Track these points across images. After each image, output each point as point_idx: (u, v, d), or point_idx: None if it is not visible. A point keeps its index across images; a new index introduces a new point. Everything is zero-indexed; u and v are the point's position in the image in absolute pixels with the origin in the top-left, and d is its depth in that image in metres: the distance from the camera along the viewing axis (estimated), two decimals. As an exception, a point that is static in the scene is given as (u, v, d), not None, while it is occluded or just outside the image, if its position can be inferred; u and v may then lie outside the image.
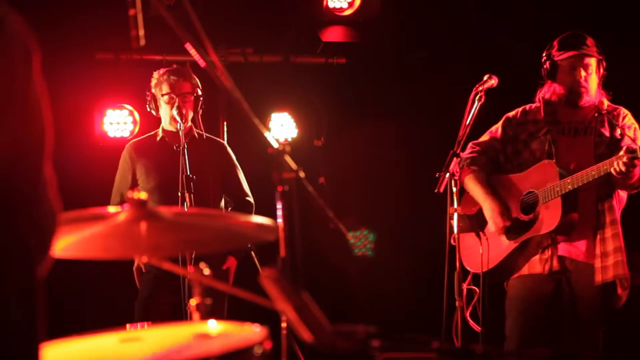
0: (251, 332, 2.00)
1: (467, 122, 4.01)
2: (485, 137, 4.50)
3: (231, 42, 6.28)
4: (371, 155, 6.46)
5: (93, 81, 6.08)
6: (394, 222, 6.41)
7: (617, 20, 5.90)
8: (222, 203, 4.93)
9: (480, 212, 4.36)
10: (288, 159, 2.22)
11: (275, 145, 2.21)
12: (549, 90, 4.37)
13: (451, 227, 3.88)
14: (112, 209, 2.16)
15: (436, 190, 3.99)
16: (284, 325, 2.35)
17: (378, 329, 1.70)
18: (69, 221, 2.04)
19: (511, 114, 4.49)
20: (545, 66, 4.36)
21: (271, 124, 6.38)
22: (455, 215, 3.83)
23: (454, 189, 3.83)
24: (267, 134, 2.21)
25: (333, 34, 6.40)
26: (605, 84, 4.37)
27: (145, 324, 2.25)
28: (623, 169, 3.87)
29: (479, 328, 4.11)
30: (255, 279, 1.83)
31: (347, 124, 6.50)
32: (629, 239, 4.29)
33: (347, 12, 6.34)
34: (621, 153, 3.89)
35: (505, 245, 4.29)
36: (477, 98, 4.08)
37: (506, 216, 4.24)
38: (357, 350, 1.71)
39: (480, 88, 4.12)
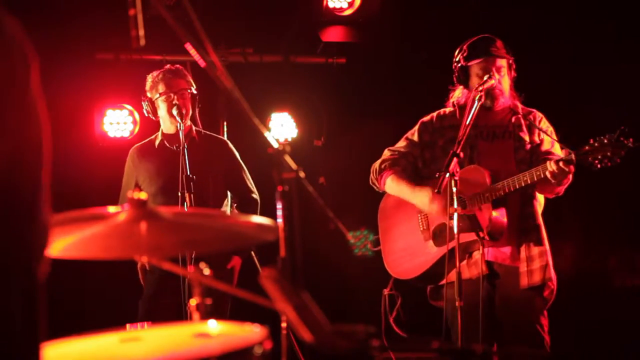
0: (251, 332, 2.00)
1: (467, 122, 4.00)
2: (402, 143, 4.48)
3: (231, 42, 6.28)
4: (371, 155, 6.45)
5: (93, 81, 6.08)
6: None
7: (619, 20, 5.91)
8: (226, 201, 4.93)
9: (479, 210, 4.35)
10: (288, 159, 2.22)
11: (275, 145, 2.21)
12: (462, 95, 4.36)
13: (451, 227, 3.88)
14: (112, 209, 2.16)
15: (436, 190, 3.99)
16: (284, 325, 2.35)
17: (378, 329, 1.70)
18: (69, 221, 2.05)
19: (426, 118, 4.46)
20: (456, 72, 4.34)
21: (271, 124, 6.39)
22: (455, 215, 3.83)
23: (454, 189, 3.83)
24: (267, 134, 2.21)
25: (333, 34, 6.41)
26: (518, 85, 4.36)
27: (146, 324, 2.24)
28: (557, 172, 3.85)
29: (404, 334, 4.12)
30: (256, 279, 1.83)
31: (347, 124, 6.50)
32: (629, 239, 4.29)
33: (347, 12, 6.34)
34: (557, 158, 3.88)
35: (433, 252, 4.27)
36: (477, 98, 4.08)
37: (441, 199, 4.16)
38: (357, 350, 1.71)
39: (480, 88, 4.12)
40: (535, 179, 3.95)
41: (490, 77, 4.18)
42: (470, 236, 4.08)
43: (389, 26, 6.34)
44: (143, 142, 4.99)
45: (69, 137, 5.90)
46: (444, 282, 4.16)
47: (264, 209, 4.89)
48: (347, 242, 6.32)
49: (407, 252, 4.39)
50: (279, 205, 2.20)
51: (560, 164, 3.85)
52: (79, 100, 6.03)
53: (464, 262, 4.19)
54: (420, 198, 4.27)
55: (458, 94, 4.38)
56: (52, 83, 5.38)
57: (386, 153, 4.50)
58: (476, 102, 4.07)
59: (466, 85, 4.33)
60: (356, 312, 6.25)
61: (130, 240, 2.15)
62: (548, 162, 3.90)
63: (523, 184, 3.98)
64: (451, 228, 3.77)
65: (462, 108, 4.33)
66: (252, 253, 4.87)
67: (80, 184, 5.60)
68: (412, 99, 6.38)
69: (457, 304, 3.80)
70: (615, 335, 5.66)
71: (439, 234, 4.24)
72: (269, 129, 6.18)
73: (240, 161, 4.95)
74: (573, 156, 3.85)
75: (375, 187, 4.55)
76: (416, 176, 4.41)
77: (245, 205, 4.85)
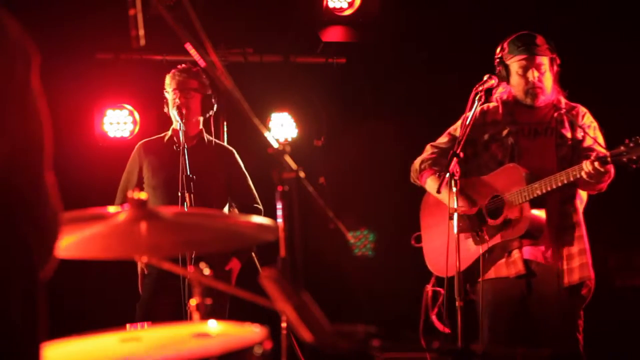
0: (251, 332, 1.99)
1: (467, 122, 4.00)
2: (444, 139, 4.45)
3: (231, 42, 6.28)
4: (371, 155, 6.46)
5: (93, 81, 6.08)
6: (394, 222, 6.41)
7: (618, 19, 5.91)
8: (226, 208, 4.93)
9: (480, 212, 4.35)
10: (288, 159, 2.22)
11: (275, 145, 2.21)
12: (505, 92, 4.33)
13: (451, 227, 3.88)
14: (112, 209, 2.16)
15: (436, 191, 3.99)
16: (284, 325, 2.35)
17: (378, 329, 1.70)
18: (69, 221, 2.04)
19: (469, 114, 4.46)
20: (498, 69, 4.32)
21: (271, 124, 6.39)
22: (455, 215, 3.82)
23: (454, 189, 3.82)
24: (267, 134, 2.21)
25: (333, 34, 6.40)
26: (562, 81, 4.34)
27: (146, 324, 2.24)
28: (593, 172, 3.84)
29: (447, 329, 4.11)
30: (256, 279, 1.83)
31: (347, 124, 6.50)
32: (629, 239, 4.29)
33: (347, 12, 6.34)
34: (592, 158, 3.86)
35: (472, 250, 4.26)
36: (477, 98, 4.07)
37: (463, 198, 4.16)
38: (357, 350, 1.71)
39: (480, 88, 4.12)
40: (572, 179, 3.93)
41: (490, 77, 4.17)
42: (511, 234, 4.09)
43: (389, 26, 6.34)
44: (152, 137, 5.01)
45: (69, 137, 5.89)
46: (482, 279, 4.18)
47: (264, 209, 4.89)
48: (347, 242, 6.32)
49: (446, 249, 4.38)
50: (279, 205, 2.20)
51: (596, 164, 3.82)
52: (79, 100, 6.03)
53: (502, 260, 4.19)
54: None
55: (501, 89, 4.34)
56: (52, 83, 5.39)
57: (427, 150, 4.45)
58: (476, 102, 4.07)
59: (507, 81, 4.29)
60: (356, 312, 6.26)
61: (130, 240, 2.15)
62: (584, 162, 3.87)
63: (560, 184, 3.96)
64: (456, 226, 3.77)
65: (506, 104, 4.32)
66: (252, 253, 4.87)
67: (80, 184, 5.59)
68: (412, 99, 6.39)
69: (457, 304, 3.81)
70: (616, 335, 5.66)
71: (462, 232, 4.25)
72: (269, 129, 6.18)
73: (245, 172, 4.95)
74: (608, 157, 3.84)
75: (416, 184, 4.53)
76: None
77: (249, 214, 4.85)
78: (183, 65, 4.93)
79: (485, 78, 4.17)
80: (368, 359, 1.72)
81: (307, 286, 1.81)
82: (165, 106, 4.87)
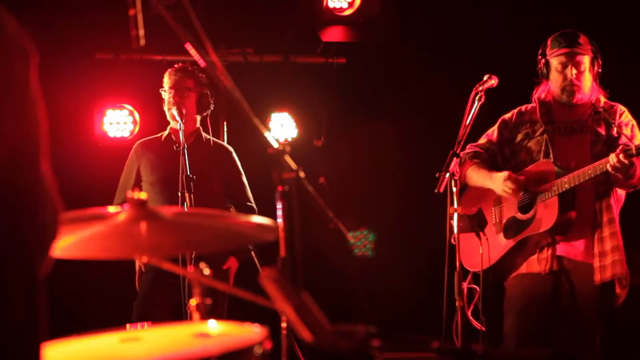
0: (251, 332, 1.99)
1: (467, 122, 4.01)
2: (482, 140, 4.51)
3: (231, 42, 6.28)
4: (371, 155, 6.47)
5: (93, 81, 6.08)
6: (394, 222, 6.41)
7: (619, 19, 5.90)
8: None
9: (480, 212, 4.36)
10: (288, 159, 2.22)
11: (275, 145, 2.21)
12: (544, 90, 4.36)
13: (451, 227, 3.88)
14: (112, 208, 2.15)
15: (436, 190, 3.99)
16: (284, 325, 2.35)
17: (378, 329, 1.70)
18: (69, 221, 2.04)
19: (507, 115, 4.48)
20: (540, 65, 4.35)
21: (271, 124, 6.39)
22: (455, 215, 3.83)
23: (454, 189, 3.83)
24: (267, 134, 2.21)
25: (333, 34, 6.40)
26: (604, 81, 4.35)
27: (145, 324, 2.24)
28: (618, 165, 3.85)
29: (482, 327, 4.10)
30: (255, 279, 1.83)
31: (347, 124, 6.50)
32: (629, 239, 4.29)
33: (347, 12, 6.33)
34: (617, 151, 3.88)
35: (503, 244, 4.28)
36: (477, 98, 4.08)
37: (517, 181, 4.18)
38: (357, 350, 1.71)
39: (480, 88, 4.12)
40: (598, 172, 3.94)
41: (490, 77, 4.17)
42: (539, 228, 4.10)
43: (389, 26, 6.34)
44: (149, 137, 5.02)
45: (69, 137, 5.89)
46: (512, 274, 4.21)
47: (264, 209, 4.89)
48: (347, 242, 6.32)
49: (479, 245, 4.38)
50: (279, 205, 2.20)
51: (621, 156, 3.84)
52: (79, 100, 6.03)
53: (534, 256, 4.19)
54: (497, 180, 4.26)
55: (541, 88, 4.37)
56: (52, 83, 5.40)
57: (468, 148, 4.49)
58: (476, 102, 4.07)
59: (547, 79, 4.32)
60: (356, 312, 6.26)
61: (130, 240, 2.15)
62: (610, 155, 3.89)
63: (587, 178, 3.98)
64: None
65: (543, 103, 4.34)
66: (252, 253, 4.87)
67: (80, 184, 5.60)
68: (412, 99, 6.39)
69: (457, 304, 3.81)
70: (616, 335, 5.65)
71: (510, 227, 4.25)
72: (269, 129, 6.18)
73: (241, 170, 4.96)
74: (633, 149, 3.84)
75: (461, 182, 4.54)
76: (496, 170, 4.40)
77: (243, 213, 4.85)
78: (180, 64, 4.94)
79: (485, 78, 4.17)
80: (368, 359, 1.72)
81: (307, 286, 1.81)
82: (163, 105, 4.89)
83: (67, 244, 2.08)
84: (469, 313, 4.12)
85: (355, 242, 6.62)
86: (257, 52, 6.40)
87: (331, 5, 6.27)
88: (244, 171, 5.00)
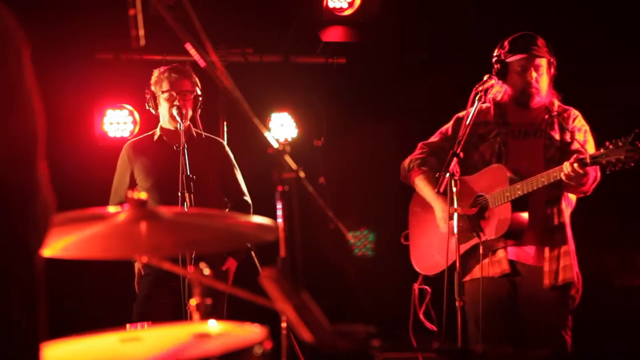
0: (251, 332, 1.99)
1: (467, 122, 4.00)
2: (435, 138, 4.48)
3: (231, 42, 6.28)
4: (371, 155, 6.46)
5: (93, 81, 6.08)
6: (394, 222, 6.41)
7: (620, 20, 5.91)
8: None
9: (480, 212, 4.36)
10: (288, 159, 2.22)
11: (275, 145, 2.21)
12: (500, 92, 4.33)
13: (451, 227, 3.88)
14: (112, 209, 2.15)
15: (436, 190, 3.99)
16: (284, 325, 2.35)
17: (378, 329, 1.70)
18: (69, 221, 2.04)
19: (462, 113, 4.42)
20: (496, 66, 4.32)
21: (271, 124, 6.39)
22: (455, 215, 3.83)
23: (454, 189, 3.83)
24: (267, 134, 2.21)
25: (333, 34, 6.40)
26: (557, 84, 4.34)
27: (145, 324, 2.24)
28: (572, 174, 3.84)
29: (434, 327, 4.11)
30: (255, 279, 1.83)
31: (347, 124, 6.50)
32: (629, 239, 4.29)
33: (347, 12, 6.34)
34: (571, 160, 3.87)
35: (455, 249, 4.28)
36: (477, 98, 4.08)
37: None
38: (357, 350, 1.71)
39: (480, 88, 4.12)
40: (552, 180, 3.93)
41: (490, 77, 4.17)
42: (492, 234, 4.09)
43: (389, 26, 6.34)
44: (138, 137, 4.99)
45: (69, 137, 5.89)
46: (467, 278, 4.18)
47: (264, 209, 4.88)
48: (347, 242, 6.32)
49: (433, 248, 4.38)
50: (279, 205, 2.20)
51: (575, 165, 3.83)
52: (79, 100, 6.03)
53: (487, 259, 4.18)
54: (439, 208, 4.30)
55: (497, 89, 4.35)
56: (52, 83, 5.40)
57: (418, 148, 4.48)
58: (476, 102, 4.07)
59: (504, 80, 4.29)
60: (356, 312, 6.26)
61: (130, 240, 2.15)
62: (564, 164, 3.88)
63: (540, 185, 3.97)
64: (454, 228, 3.77)
65: (498, 105, 4.33)
66: (252, 253, 4.87)
67: (80, 184, 5.60)
68: (412, 99, 6.39)
69: (457, 304, 3.80)
70: (616, 335, 5.66)
71: (462, 232, 4.24)
72: (269, 129, 6.18)
73: (235, 164, 4.95)
74: (587, 159, 3.84)
75: (406, 183, 4.55)
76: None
77: (238, 208, 4.85)
78: (174, 64, 4.92)
79: (485, 78, 4.17)
80: (368, 359, 1.72)
81: (307, 286, 1.81)
82: (151, 104, 4.82)
83: (67, 244, 2.08)
84: (421, 314, 4.13)
85: (355, 242, 6.63)
86: (257, 52, 6.40)
87: (331, 5, 6.27)
88: (244, 171, 5.00)
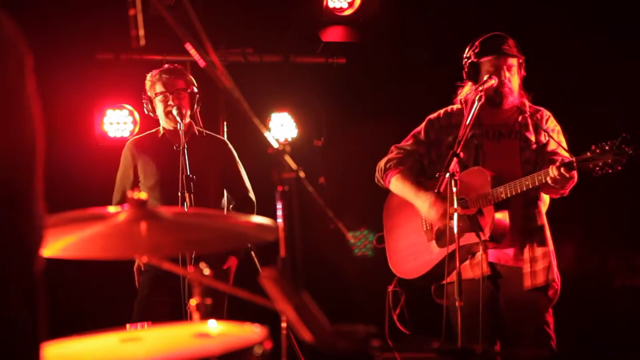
0: (251, 332, 1.99)
1: (467, 122, 4.00)
2: (408, 141, 4.46)
3: (231, 42, 6.28)
4: (371, 155, 6.45)
5: (93, 81, 6.08)
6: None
7: (618, 20, 5.91)
8: (224, 200, 4.93)
9: (480, 212, 4.35)
10: (288, 159, 2.22)
11: (275, 145, 2.21)
12: (470, 92, 4.31)
13: (451, 227, 3.88)
14: (112, 208, 2.16)
15: (436, 190, 3.98)
16: (284, 325, 2.35)
17: (378, 329, 1.70)
18: (69, 221, 2.04)
19: (433, 115, 4.43)
20: (466, 68, 4.32)
21: (271, 124, 6.39)
22: (455, 215, 3.82)
23: (454, 189, 3.82)
24: (267, 134, 2.21)
25: (333, 34, 6.41)
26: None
27: (145, 324, 2.24)
28: (559, 178, 3.84)
29: (407, 331, 4.11)
30: (255, 279, 1.83)
31: (347, 124, 6.50)
32: (629, 239, 4.29)
33: (347, 12, 6.34)
34: (557, 164, 3.87)
35: (436, 252, 4.26)
36: (477, 98, 4.07)
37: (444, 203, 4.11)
38: (357, 350, 1.71)
39: (481, 88, 4.11)
40: (537, 184, 3.94)
41: (490, 77, 4.17)
42: (473, 237, 4.08)
43: (389, 26, 6.34)
44: (141, 135, 5.00)
45: (69, 137, 5.89)
46: (446, 281, 4.15)
47: (264, 209, 4.89)
48: (347, 242, 6.32)
49: (411, 251, 4.38)
50: (279, 205, 2.20)
51: (562, 169, 3.83)
52: (79, 100, 6.03)
53: (467, 262, 4.18)
54: (422, 202, 4.26)
55: (467, 90, 4.35)
56: (52, 83, 5.40)
57: (392, 151, 4.48)
58: (476, 102, 4.06)
59: (475, 81, 4.28)
60: (356, 312, 6.25)
61: (130, 240, 2.15)
62: (550, 168, 3.88)
63: (525, 189, 3.97)
64: (451, 229, 3.76)
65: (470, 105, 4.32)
66: (252, 253, 4.87)
67: (80, 184, 5.60)
68: (412, 98, 6.38)
69: (457, 304, 3.80)
70: (615, 335, 5.66)
71: (442, 235, 4.23)
72: (269, 129, 6.18)
73: (239, 161, 4.95)
74: (574, 162, 3.84)
75: (380, 185, 4.55)
76: (422, 174, 4.39)
77: (242, 205, 4.86)
78: (166, 65, 4.93)
79: (485, 78, 4.17)
80: (368, 359, 1.72)
81: (307, 286, 1.81)
82: (149, 108, 4.82)
83: (67, 244, 2.08)
84: (395, 317, 4.13)
85: (355, 242, 6.62)
86: (257, 52, 6.40)
87: (331, 5, 6.27)
88: (245, 171, 4.99)
